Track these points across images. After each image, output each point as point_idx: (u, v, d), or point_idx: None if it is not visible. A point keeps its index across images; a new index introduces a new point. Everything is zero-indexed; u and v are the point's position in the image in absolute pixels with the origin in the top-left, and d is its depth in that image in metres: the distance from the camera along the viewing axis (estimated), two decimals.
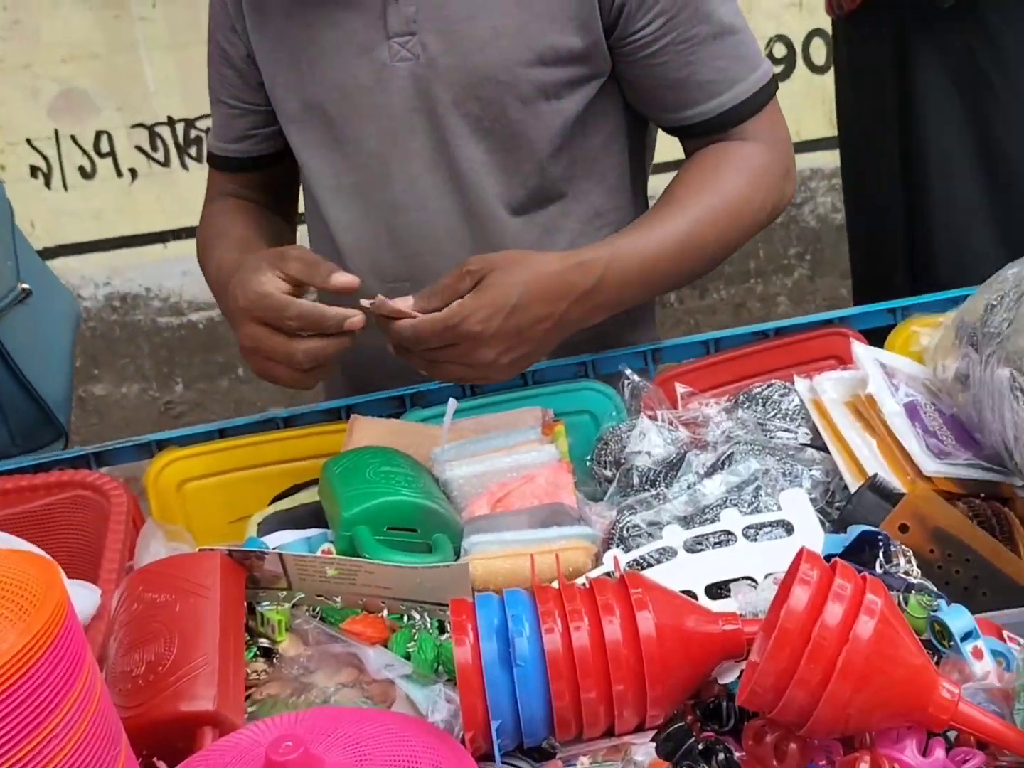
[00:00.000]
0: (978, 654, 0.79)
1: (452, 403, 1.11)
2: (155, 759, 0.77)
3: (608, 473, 1.16)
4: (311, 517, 1.11)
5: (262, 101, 1.30)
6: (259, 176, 1.37)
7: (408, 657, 0.90)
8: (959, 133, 1.81)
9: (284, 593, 0.96)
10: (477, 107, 1.19)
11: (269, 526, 1.11)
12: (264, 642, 0.94)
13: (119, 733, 0.73)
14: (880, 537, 0.85)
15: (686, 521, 1.02)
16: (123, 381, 3.11)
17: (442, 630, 0.94)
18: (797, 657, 0.69)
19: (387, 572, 0.93)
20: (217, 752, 0.73)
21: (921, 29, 1.80)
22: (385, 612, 0.95)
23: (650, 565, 0.98)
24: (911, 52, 1.82)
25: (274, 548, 0.98)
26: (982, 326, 1.03)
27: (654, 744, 0.75)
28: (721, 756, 0.71)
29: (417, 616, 0.94)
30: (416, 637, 0.92)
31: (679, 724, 0.73)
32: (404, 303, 1.06)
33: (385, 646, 0.93)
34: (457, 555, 1.01)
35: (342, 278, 1.06)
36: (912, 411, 1.08)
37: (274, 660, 0.93)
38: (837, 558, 0.76)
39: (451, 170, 1.22)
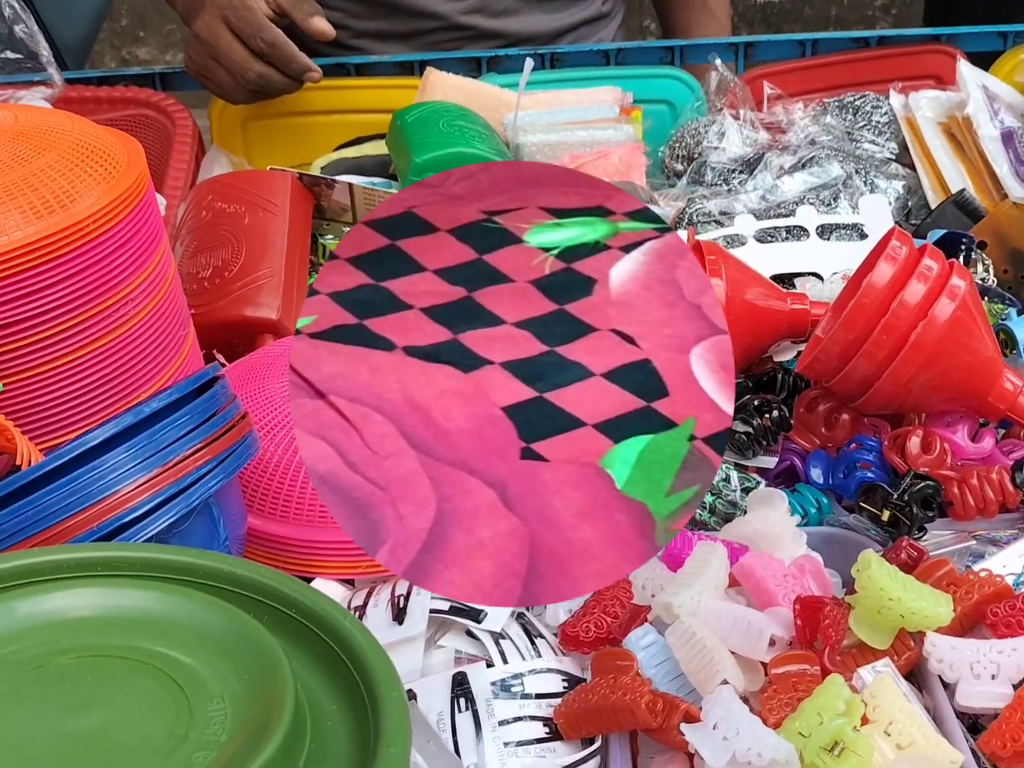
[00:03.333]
0: None
1: (529, 63, 1.07)
2: (215, 351, 0.78)
3: (680, 167, 1.13)
4: (377, 167, 1.09)
5: None
6: None
7: None
8: None
9: (349, 228, 0.96)
10: None
11: (333, 170, 1.08)
12: None
13: (188, 318, 0.74)
14: (964, 239, 0.83)
15: (757, 216, 1.00)
16: (168, 48, 3.01)
17: None
18: (870, 329, 0.69)
19: None
20: (281, 346, 0.74)
21: None
22: None
23: None
24: None
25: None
26: None
27: None
28: (775, 413, 0.71)
29: None
30: None
31: (736, 380, 0.74)
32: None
33: None
34: None
35: (321, 24, 1.08)
36: (1007, 138, 1.04)
37: None
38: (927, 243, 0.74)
39: None
